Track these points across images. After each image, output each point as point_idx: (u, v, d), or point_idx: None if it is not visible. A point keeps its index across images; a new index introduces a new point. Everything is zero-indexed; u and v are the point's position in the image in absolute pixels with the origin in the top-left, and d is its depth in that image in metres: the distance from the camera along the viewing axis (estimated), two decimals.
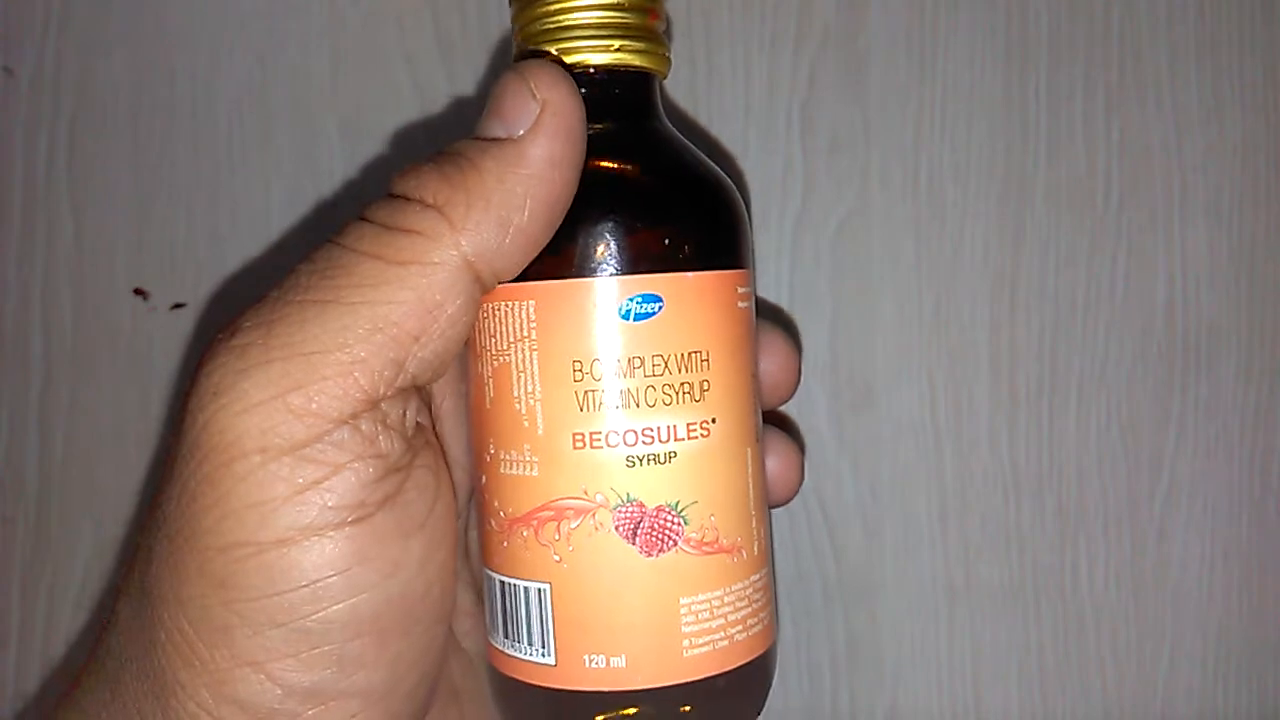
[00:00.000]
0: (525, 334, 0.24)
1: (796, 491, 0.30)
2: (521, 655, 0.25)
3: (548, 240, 0.23)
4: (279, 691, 0.21)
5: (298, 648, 0.21)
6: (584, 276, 0.24)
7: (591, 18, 0.25)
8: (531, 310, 0.24)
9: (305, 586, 0.21)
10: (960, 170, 0.39)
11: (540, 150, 0.22)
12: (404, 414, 0.23)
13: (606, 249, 0.24)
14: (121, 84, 0.39)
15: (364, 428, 0.21)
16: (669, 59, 0.27)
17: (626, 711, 0.24)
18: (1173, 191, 0.40)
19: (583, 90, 0.24)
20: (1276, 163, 0.40)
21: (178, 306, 0.40)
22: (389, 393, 0.22)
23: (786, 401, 0.31)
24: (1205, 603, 0.40)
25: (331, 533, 0.21)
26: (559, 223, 0.23)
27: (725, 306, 0.25)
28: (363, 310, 0.21)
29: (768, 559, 0.27)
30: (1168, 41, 0.39)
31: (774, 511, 0.31)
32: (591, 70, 0.25)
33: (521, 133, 0.22)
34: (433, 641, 0.24)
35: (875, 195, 0.39)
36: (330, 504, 0.21)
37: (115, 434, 0.40)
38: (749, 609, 0.25)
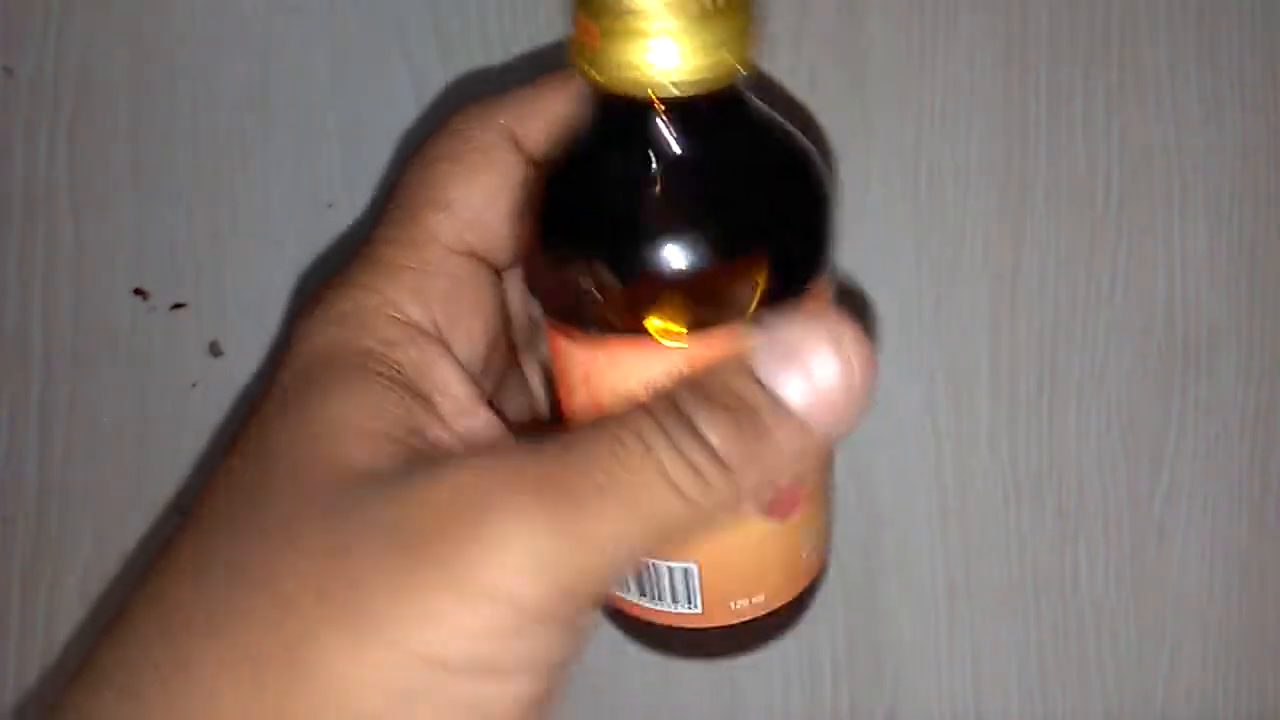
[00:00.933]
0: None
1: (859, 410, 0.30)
2: (663, 608, 0.26)
3: None
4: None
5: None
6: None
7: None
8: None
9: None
10: (960, 170, 0.39)
11: (825, 428, 0.22)
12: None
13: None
14: (121, 84, 0.39)
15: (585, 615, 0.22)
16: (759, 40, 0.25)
17: (760, 617, 0.27)
18: (1173, 191, 0.40)
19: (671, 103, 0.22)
20: (1276, 163, 0.40)
21: (178, 306, 0.40)
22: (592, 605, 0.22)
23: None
24: (1205, 603, 0.40)
25: (509, 681, 0.21)
26: None
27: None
28: (642, 537, 0.21)
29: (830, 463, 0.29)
30: (1168, 41, 0.39)
31: None
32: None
33: (813, 412, 0.22)
34: None
35: (875, 195, 0.39)
36: (525, 652, 0.21)
37: (115, 434, 0.40)
38: (826, 521, 0.29)
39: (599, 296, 0.23)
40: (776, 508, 0.25)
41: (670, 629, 0.27)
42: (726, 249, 0.22)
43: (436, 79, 0.39)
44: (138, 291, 0.40)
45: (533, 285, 0.25)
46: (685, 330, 0.22)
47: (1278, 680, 0.40)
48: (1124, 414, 0.40)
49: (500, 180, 0.25)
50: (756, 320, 0.22)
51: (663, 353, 0.22)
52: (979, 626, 0.40)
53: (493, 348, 0.26)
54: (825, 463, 0.27)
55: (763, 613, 0.27)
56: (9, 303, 0.40)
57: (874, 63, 0.39)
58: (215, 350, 0.40)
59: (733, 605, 0.26)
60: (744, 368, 0.22)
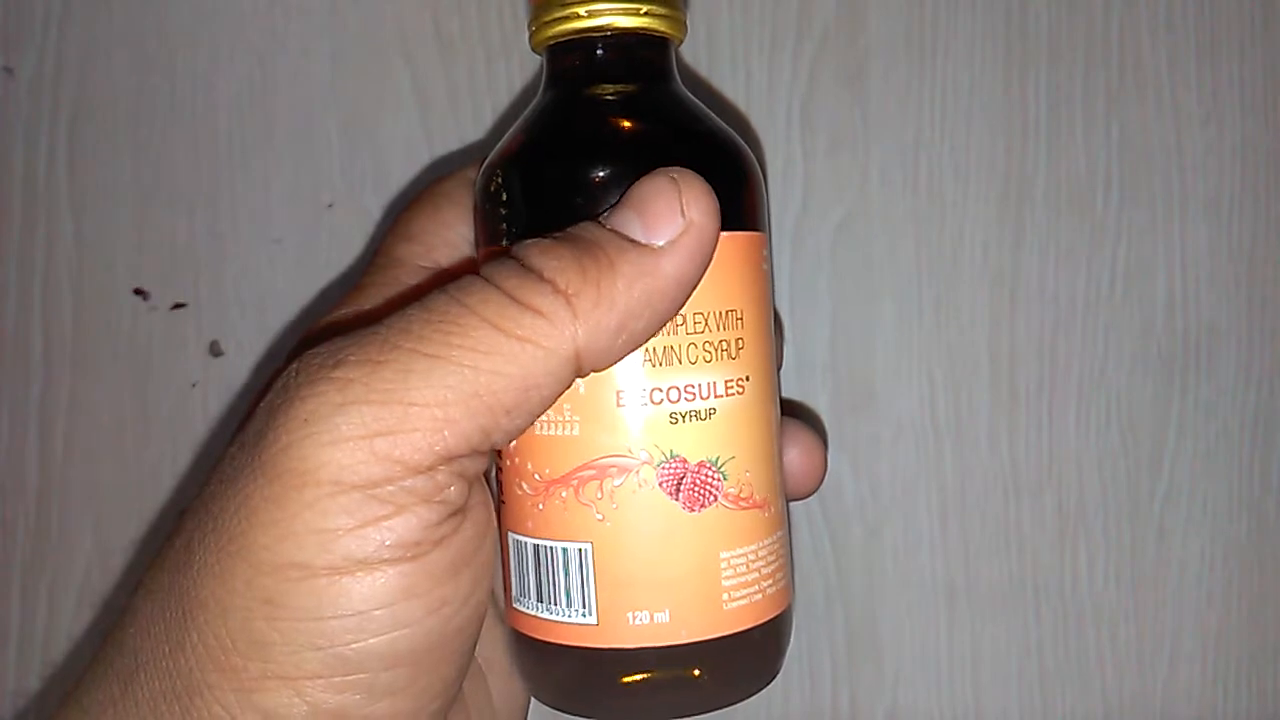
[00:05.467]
0: None
1: (819, 483, 0.30)
2: (558, 618, 0.25)
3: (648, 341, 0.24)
4: (305, 708, 0.21)
5: (332, 671, 0.21)
6: None
7: None
8: None
9: (351, 616, 0.21)
10: (960, 170, 0.39)
11: (675, 268, 0.23)
12: (480, 467, 0.23)
13: None
14: (121, 84, 0.39)
15: (438, 478, 0.22)
16: (686, 25, 0.27)
17: (668, 665, 0.24)
18: (1173, 191, 0.40)
19: (599, 51, 0.26)
20: (1276, 163, 0.40)
21: (178, 306, 0.40)
22: (468, 453, 0.22)
23: (812, 494, 0.31)
24: (1205, 603, 0.40)
25: (385, 568, 0.21)
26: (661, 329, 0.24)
27: (754, 267, 0.26)
28: (468, 374, 0.21)
29: (786, 517, 0.27)
30: (1167, 42, 0.39)
31: None
32: (618, 33, 0.26)
33: (661, 244, 0.23)
34: (462, 669, 0.24)
35: (875, 195, 0.39)
36: (389, 541, 0.21)
37: (115, 434, 0.40)
38: (776, 564, 0.26)
39: (507, 205, 0.25)
40: (689, 494, 0.24)
41: (565, 651, 0.25)
42: (616, 172, 0.24)
43: (436, 79, 0.39)
44: (138, 291, 0.40)
45: (474, 227, 0.27)
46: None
47: (1278, 680, 0.40)
48: (1124, 414, 0.40)
49: (460, 212, 0.28)
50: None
51: None
52: (979, 626, 0.40)
53: None
54: (766, 477, 0.26)
55: (668, 641, 0.24)
56: (9, 303, 0.40)
57: (874, 63, 0.39)
58: (215, 350, 0.40)
59: (631, 618, 0.24)
60: (587, 220, 0.23)
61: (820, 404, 0.40)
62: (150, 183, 0.40)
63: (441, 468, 0.22)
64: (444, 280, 0.27)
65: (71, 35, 0.39)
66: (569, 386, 0.23)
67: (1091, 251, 0.40)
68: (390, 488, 0.21)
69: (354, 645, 0.21)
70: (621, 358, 0.23)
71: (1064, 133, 0.39)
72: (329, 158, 0.39)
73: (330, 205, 0.39)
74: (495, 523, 0.24)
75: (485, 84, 0.39)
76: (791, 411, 0.34)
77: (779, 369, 0.30)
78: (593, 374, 0.23)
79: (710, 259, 0.23)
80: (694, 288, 0.23)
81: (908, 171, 0.39)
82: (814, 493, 0.30)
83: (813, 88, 0.39)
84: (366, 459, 0.21)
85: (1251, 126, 0.40)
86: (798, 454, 0.29)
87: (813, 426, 0.32)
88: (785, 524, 0.27)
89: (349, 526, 0.21)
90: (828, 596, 0.40)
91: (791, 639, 0.27)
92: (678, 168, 0.23)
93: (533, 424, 0.24)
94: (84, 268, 0.40)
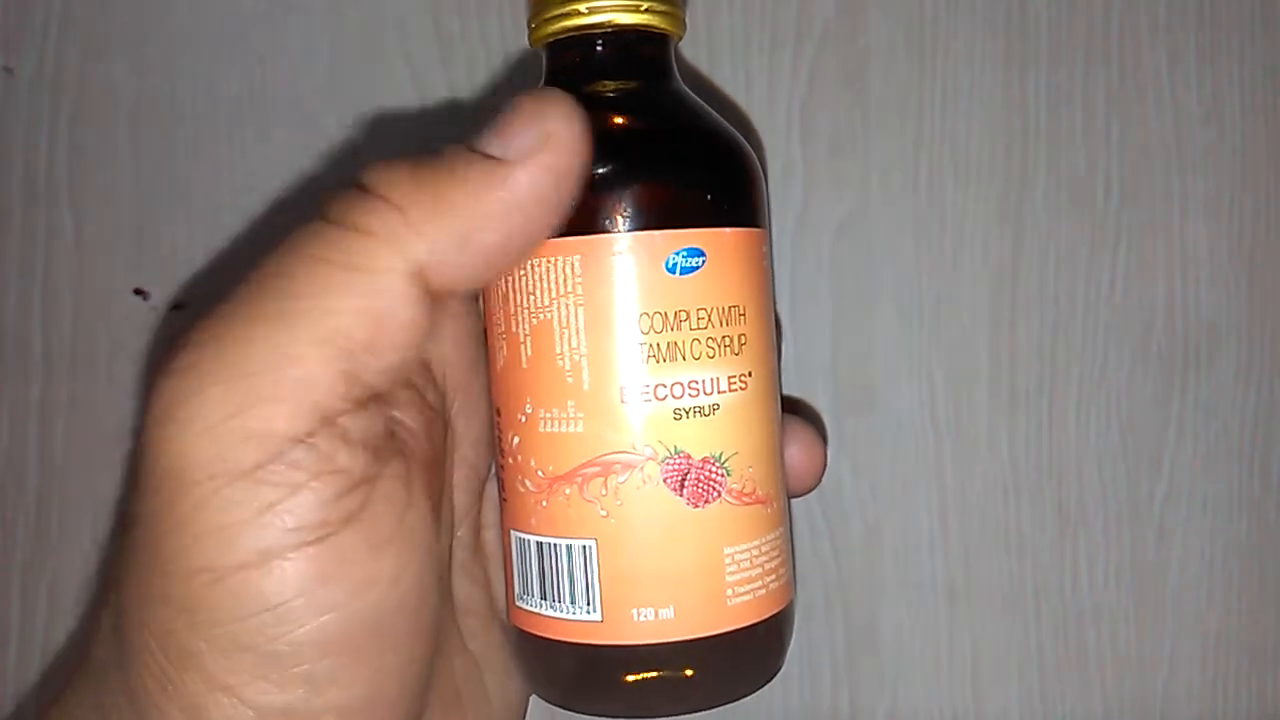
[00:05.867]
0: (570, 289, 0.24)
1: (819, 479, 0.30)
2: (562, 615, 0.25)
3: (509, 266, 0.23)
4: (251, 714, 0.20)
5: (267, 670, 0.20)
6: (631, 231, 0.24)
7: None
8: (576, 265, 0.24)
9: (269, 610, 0.20)
10: (960, 170, 0.39)
11: (527, 180, 0.21)
12: (367, 425, 0.22)
13: (654, 204, 0.24)
14: (121, 84, 0.39)
15: (321, 445, 0.20)
16: (686, 23, 0.27)
17: (674, 662, 0.24)
18: (1173, 191, 0.40)
19: (599, 48, 0.26)
20: (1276, 163, 0.40)
21: (178, 307, 0.40)
22: (345, 407, 0.21)
23: (812, 490, 0.30)
24: (1205, 603, 0.40)
25: (292, 554, 0.20)
26: (525, 255, 0.23)
27: (756, 263, 0.26)
28: (305, 322, 0.20)
29: (787, 512, 0.27)
30: (1167, 42, 0.39)
31: None
32: (617, 29, 0.26)
33: (513, 158, 0.21)
34: (416, 651, 0.23)
35: (875, 195, 0.39)
36: (290, 525, 0.20)
37: (115, 434, 0.40)
38: (779, 559, 0.26)
39: None
40: (693, 490, 0.24)
41: (570, 648, 0.25)
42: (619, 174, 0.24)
43: (437, 79, 0.39)
44: (138, 291, 0.40)
45: None
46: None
47: (1278, 680, 0.40)
48: (1124, 414, 0.40)
49: None
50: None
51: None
52: (979, 626, 0.40)
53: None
54: (768, 473, 0.26)
55: (673, 638, 0.24)
56: (9, 303, 0.40)
57: (874, 63, 0.39)
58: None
59: (635, 614, 0.24)
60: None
61: (820, 404, 0.40)
62: (150, 183, 0.40)
63: (321, 432, 0.20)
64: None
65: (71, 35, 0.39)
66: (431, 307, 0.21)
67: (1091, 251, 0.40)
68: (273, 467, 0.20)
69: (282, 640, 0.20)
70: (481, 277, 0.22)
71: (1064, 133, 0.39)
72: (329, 158, 0.39)
73: None
74: (426, 499, 0.23)
75: (485, 84, 0.39)
76: (791, 408, 0.34)
77: (816, 484, 0.31)
78: (594, 369, 0.23)
79: (573, 178, 0.22)
80: (558, 210, 0.22)
81: (908, 171, 0.39)
82: (814, 489, 0.30)
83: (813, 88, 0.39)
84: (234, 443, 0.20)
85: (1251, 126, 0.40)
86: (798, 450, 0.29)
87: (812, 423, 0.32)
88: (787, 520, 0.27)
89: (244, 518, 0.20)
90: (827, 596, 0.40)
91: (793, 635, 0.27)
92: (546, 90, 0.23)
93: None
94: (84, 268, 0.40)
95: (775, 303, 0.27)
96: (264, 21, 0.39)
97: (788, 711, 0.40)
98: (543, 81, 0.27)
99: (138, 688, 0.21)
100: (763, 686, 0.26)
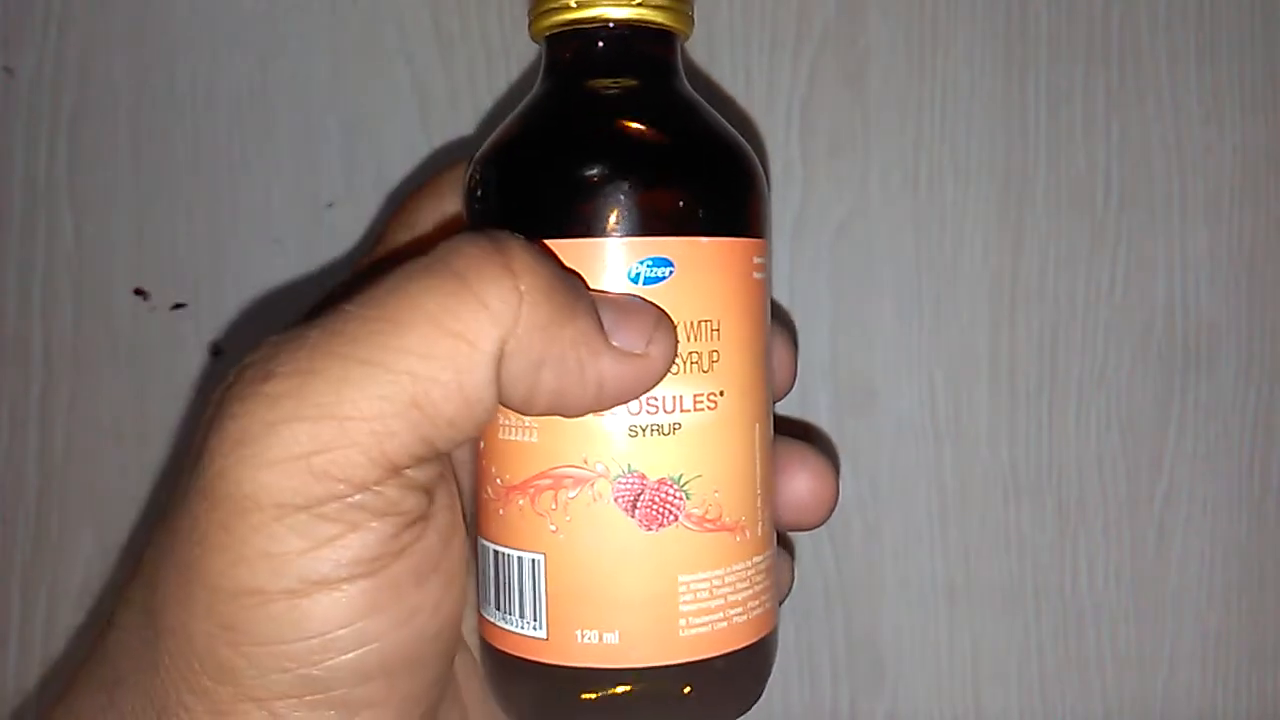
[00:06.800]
0: None
1: (830, 513, 0.28)
2: (513, 628, 0.24)
3: (526, 409, 0.22)
4: None
5: (303, 691, 0.21)
6: (593, 237, 0.23)
7: None
8: None
9: (314, 637, 0.20)
10: (960, 170, 0.39)
11: (611, 370, 0.22)
12: (430, 471, 0.22)
13: (618, 209, 0.23)
14: (121, 84, 0.39)
15: (388, 493, 0.21)
16: (692, 18, 0.26)
17: (616, 690, 0.23)
18: (1173, 191, 0.40)
19: (600, 45, 0.25)
20: (1276, 163, 0.40)
21: (178, 307, 0.40)
22: (416, 463, 0.21)
23: (821, 525, 0.29)
24: (1205, 603, 0.40)
25: (345, 586, 0.20)
26: (547, 411, 0.22)
27: (739, 276, 0.24)
28: (401, 382, 0.20)
29: (771, 541, 0.26)
30: (1167, 42, 0.39)
31: None
32: (611, 25, 0.25)
33: (618, 342, 0.22)
34: (441, 673, 0.23)
35: (875, 195, 0.39)
36: (344, 560, 0.20)
37: (115, 434, 0.40)
38: (750, 591, 0.24)
39: (494, 197, 0.25)
40: (645, 512, 0.23)
41: (517, 662, 0.24)
42: (599, 171, 0.23)
43: (437, 79, 0.39)
44: (138, 291, 0.40)
45: (465, 218, 0.26)
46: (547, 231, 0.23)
47: (1278, 680, 0.40)
48: (1124, 414, 0.40)
49: (459, 204, 0.27)
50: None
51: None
52: (979, 626, 0.40)
53: None
54: (741, 500, 0.24)
55: (616, 664, 0.23)
56: (9, 303, 0.40)
57: (874, 63, 0.39)
58: (215, 350, 0.40)
59: (580, 635, 0.23)
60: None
61: (820, 404, 0.40)
62: (150, 183, 0.40)
63: (390, 481, 0.20)
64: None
65: (71, 35, 0.39)
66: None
67: (1091, 252, 0.40)
68: (337, 505, 0.20)
69: (321, 665, 0.20)
70: (524, 403, 0.22)
71: (1064, 133, 0.39)
72: (329, 158, 0.39)
73: (330, 205, 0.39)
74: (462, 521, 0.23)
75: (485, 84, 0.39)
76: (804, 435, 0.33)
77: (790, 385, 0.29)
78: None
79: (644, 393, 0.22)
80: (609, 402, 0.22)
81: (908, 172, 0.39)
82: (824, 522, 0.28)
83: (813, 88, 0.39)
84: (306, 479, 0.20)
85: (1251, 126, 0.40)
86: (808, 479, 0.28)
87: (824, 451, 0.30)
88: (768, 549, 0.25)
89: (301, 549, 0.20)
90: (828, 596, 0.40)
91: (771, 670, 0.26)
92: (651, 308, 0.22)
93: (495, 428, 0.24)
94: (84, 268, 0.40)
95: (769, 317, 0.26)
96: (264, 21, 0.39)
97: (788, 711, 0.40)
98: (540, 76, 0.26)
99: (165, 690, 0.21)
100: None
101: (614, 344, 0.22)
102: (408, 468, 0.21)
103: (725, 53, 0.39)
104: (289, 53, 0.39)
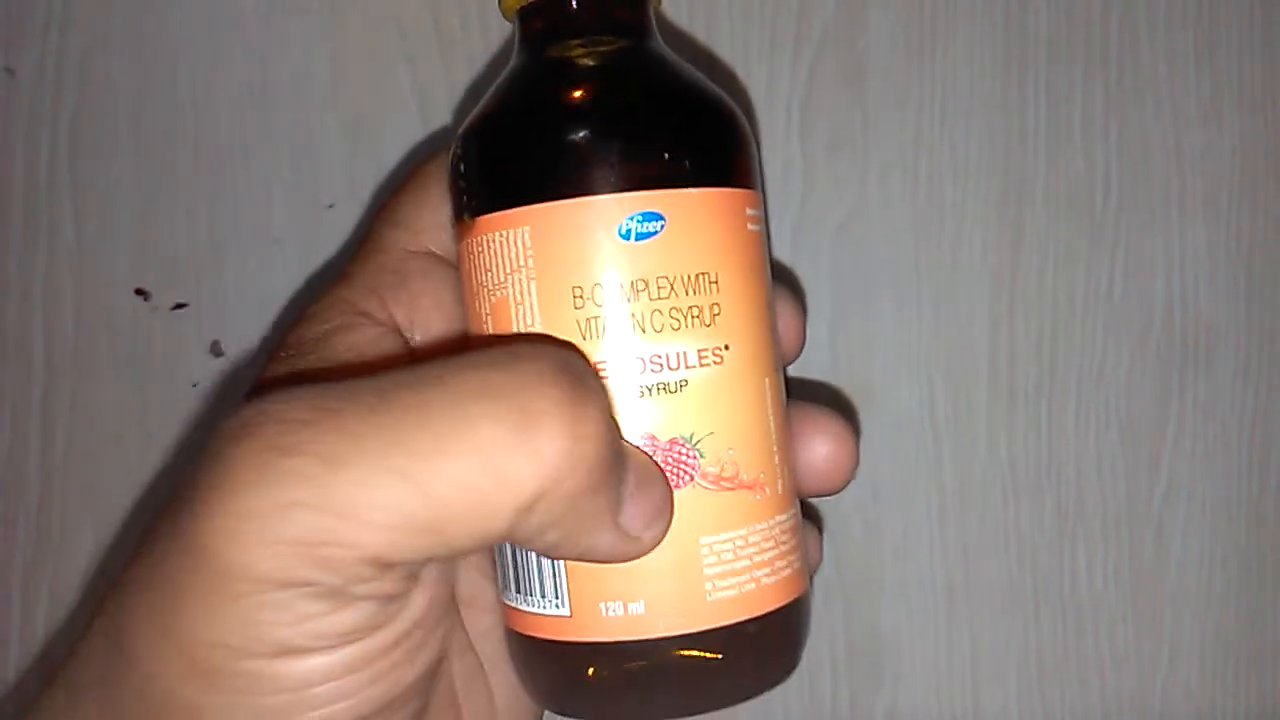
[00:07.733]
0: (522, 263, 0.23)
1: (849, 478, 0.27)
2: (535, 609, 0.23)
3: (525, 545, 0.21)
4: None
5: None
6: (580, 196, 0.22)
7: None
8: (526, 237, 0.22)
9: (288, 693, 0.20)
10: (960, 170, 0.39)
11: (606, 544, 0.21)
12: (431, 569, 0.22)
13: (603, 166, 0.22)
14: (122, 84, 0.39)
15: (383, 585, 0.20)
16: None
17: (646, 662, 0.23)
18: (1172, 191, 0.40)
19: (571, 9, 0.25)
20: (1275, 163, 0.40)
21: (179, 307, 0.40)
22: (418, 568, 0.21)
23: (843, 489, 0.28)
24: (1205, 603, 0.40)
25: (324, 653, 0.20)
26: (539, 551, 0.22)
27: (733, 228, 0.23)
28: (432, 508, 0.19)
29: (793, 499, 0.25)
30: (1166, 42, 0.39)
31: None
32: None
33: (620, 520, 0.21)
34: (417, 704, 0.23)
35: (875, 195, 0.39)
36: (327, 633, 0.20)
37: (116, 434, 0.40)
38: (776, 551, 0.23)
39: (475, 174, 0.24)
40: (667, 470, 0.22)
41: (542, 644, 0.23)
42: (588, 129, 0.23)
43: (437, 79, 0.39)
44: (138, 291, 0.40)
45: (450, 201, 0.26)
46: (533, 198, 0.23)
47: (1277, 680, 0.41)
48: (1123, 414, 0.40)
49: (445, 194, 0.26)
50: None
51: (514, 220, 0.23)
52: (978, 626, 0.40)
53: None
54: (758, 456, 0.23)
55: (644, 636, 0.22)
56: (9, 303, 0.40)
57: (873, 63, 0.39)
58: (216, 350, 0.40)
59: (604, 609, 0.22)
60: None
61: (820, 404, 0.40)
62: (150, 183, 0.40)
63: (387, 575, 0.20)
64: (433, 267, 0.26)
65: (71, 35, 0.39)
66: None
67: (1091, 251, 0.40)
68: (326, 589, 0.19)
69: (295, 717, 0.20)
70: (518, 540, 0.21)
71: (1063, 133, 0.39)
72: (329, 158, 0.39)
73: (330, 205, 0.40)
74: (448, 572, 0.23)
75: (486, 83, 0.39)
76: (821, 397, 0.32)
77: (798, 349, 0.29)
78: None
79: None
80: (586, 561, 0.22)
81: (908, 171, 0.39)
82: (844, 488, 0.28)
83: (812, 88, 0.39)
84: (301, 565, 0.19)
85: (1251, 126, 0.40)
86: (826, 443, 0.27)
87: (842, 414, 0.28)
88: (791, 507, 0.25)
89: (283, 622, 0.19)
90: (827, 596, 0.40)
91: (806, 636, 0.25)
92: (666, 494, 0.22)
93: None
94: (85, 268, 0.40)
95: (769, 271, 0.25)
96: (264, 21, 0.39)
97: (788, 711, 0.40)
98: (514, 52, 0.26)
99: (128, 710, 0.20)
100: (760, 694, 0.24)
101: (619, 522, 0.21)
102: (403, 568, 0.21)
103: (725, 53, 0.39)
104: (289, 53, 0.39)
